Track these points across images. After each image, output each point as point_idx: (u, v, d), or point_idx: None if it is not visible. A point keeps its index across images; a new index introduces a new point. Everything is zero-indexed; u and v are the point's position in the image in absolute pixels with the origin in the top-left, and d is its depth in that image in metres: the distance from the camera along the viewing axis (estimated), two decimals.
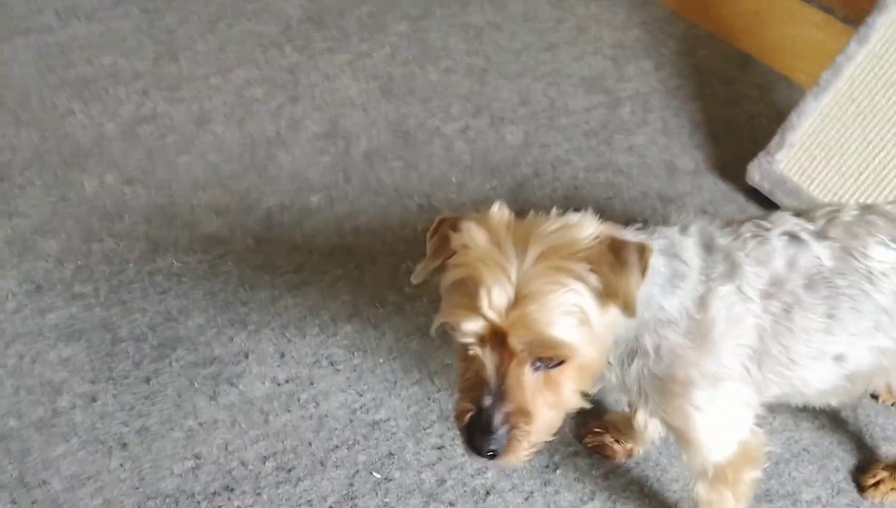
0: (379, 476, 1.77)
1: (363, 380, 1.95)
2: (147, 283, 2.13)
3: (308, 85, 2.79)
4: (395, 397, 1.92)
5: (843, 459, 1.85)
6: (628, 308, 1.19)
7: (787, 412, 1.88)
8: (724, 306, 1.33)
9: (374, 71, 2.87)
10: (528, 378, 1.18)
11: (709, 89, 2.88)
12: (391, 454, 1.81)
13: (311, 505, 1.72)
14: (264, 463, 1.78)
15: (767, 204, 2.43)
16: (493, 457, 1.20)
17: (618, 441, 1.82)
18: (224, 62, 2.86)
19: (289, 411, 1.88)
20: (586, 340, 1.18)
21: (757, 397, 1.45)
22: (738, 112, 2.79)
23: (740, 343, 1.36)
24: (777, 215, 1.45)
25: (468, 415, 1.20)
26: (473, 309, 1.15)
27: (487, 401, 1.18)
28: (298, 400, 1.90)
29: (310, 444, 1.82)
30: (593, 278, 1.18)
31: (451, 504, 1.74)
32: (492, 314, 1.14)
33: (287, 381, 1.93)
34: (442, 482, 1.77)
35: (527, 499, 1.75)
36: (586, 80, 2.89)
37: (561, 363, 1.19)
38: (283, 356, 1.98)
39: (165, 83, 2.76)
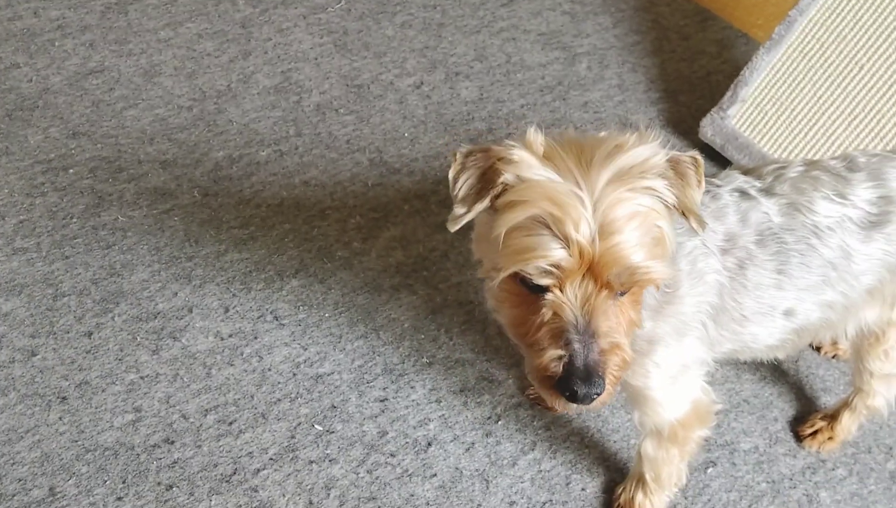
0: (321, 428, 1.77)
1: (308, 334, 1.94)
2: (91, 238, 2.10)
3: (261, 39, 2.74)
4: (339, 351, 1.91)
5: (782, 410, 1.87)
6: (700, 223, 1.16)
7: (729, 365, 1.90)
8: (688, 262, 1.33)
9: (328, 25, 2.82)
10: (611, 310, 1.13)
11: (667, 45, 2.86)
12: (334, 406, 1.81)
13: (252, 457, 1.72)
14: (205, 416, 1.77)
15: (720, 160, 2.43)
16: (592, 400, 1.12)
17: None
18: (175, 16, 2.80)
19: (232, 365, 1.87)
20: (666, 261, 1.14)
21: (710, 354, 1.46)
22: (695, 68, 2.78)
23: (702, 300, 1.37)
24: (725, 174, 1.45)
25: (559, 363, 1.11)
26: (556, 246, 1.05)
27: (579, 344, 1.10)
28: (242, 354, 1.89)
29: (252, 397, 1.81)
30: (669, 196, 1.12)
31: (392, 455, 1.74)
32: (584, 245, 1.05)
33: (231, 335, 1.92)
34: (384, 433, 1.77)
35: (468, 450, 1.76)
36: (544, 35, 2.86)
37: (629, 291, 1.14)
38: (227, 310, 1.97)
39: (113, 36, 2.70)
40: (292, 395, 1.82)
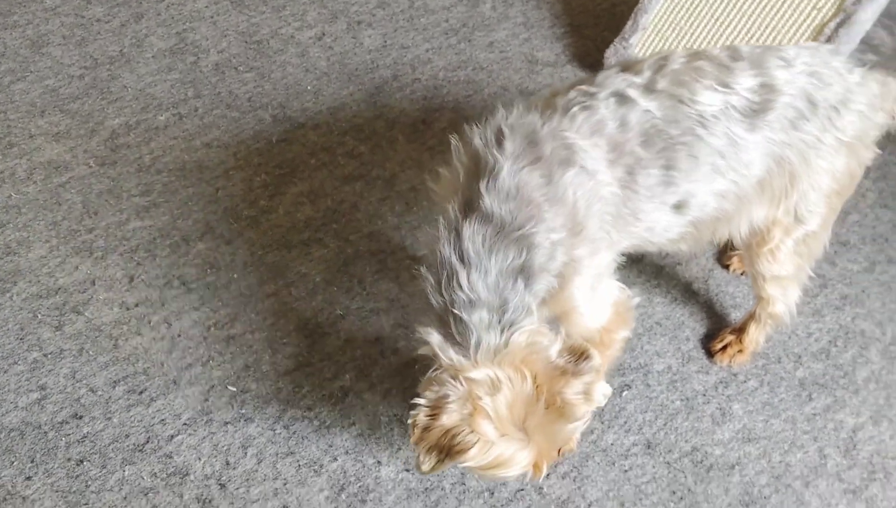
0: (234, 388, 1.75)
1: (217, 297, 1.90)
2: None
3: (153, 0, 2.64)
4: (250, 310, 1.88)
5: (693, 329, 1.90)
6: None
7: (641, 289, 1.92)
8: (576, 189, 1.32)
9: None
10: None
11: None
12: (247, 366, 1.78)
13: (165, 424, 1.69)
14: (114, 388, 1.73)
15: None
16: None
17: None
18: None
19: (140, 334, 1.82)
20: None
21: (616, 254, 1.48)
22: (598, 1, 2.76)
23: (603, 213, 1.37)
24: (603, 75, 1.43)
25: None
26: None
27: None
28: (149, 323, 1.84)
29: (162, 365, 1.77)
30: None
31: (308, 408, 1.73)
32: None
33: (137, 305, 1.87)
34: (299, 388, 1.75)
35: (385, 397, 1.75)
36: None
37: None
38: (132, 280, 1.91)
39: None
40: (204, 359, 1.79)
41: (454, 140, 1.38)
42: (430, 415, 1.22)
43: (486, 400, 1.20)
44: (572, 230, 1.33)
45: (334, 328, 1.86)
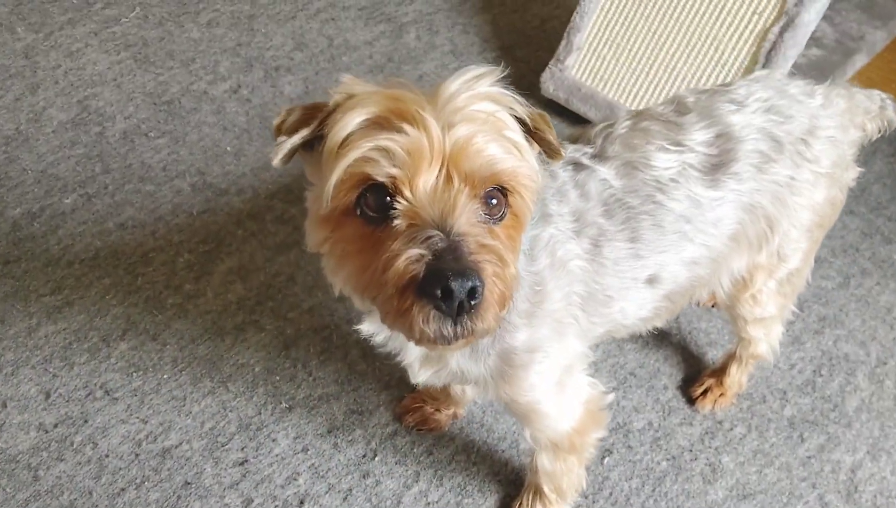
0: None
1: (146, 404, 1.70)
2: None
3: (48, 68, 2.42)
4: (185, 416, 1.69)
5: (670, 375, 1.77)
6: (555, 153, 1.07)
7: (611, 341, 1.78)
8: (548, 254, 1.19)
9: (124, 39, 2.52)
10: (477, 216, 0.97)
11: None
12: (188, 483, 1.59)
13: None
14: None
15: (568, 115, 2.29)
16: (470, 308, 0.90)
17: (438, 410, 1.67)
18: None
19: (62, 460, 1.62)
20: (526, 174, 1.00)
21: (587, 345, 1.33)
22: (528, 18, 2.62)
23: (570, 291, 1.23)
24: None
25: (420, 261, 0.90)
26: (399, 133, 0.92)
27: (442, 240, 0.91)
28: (72, 445, 1.64)
29: (91, 493, 1.57)
30: (520, 110, 1.02)
31: None
32: (431, 127, 0.92)
33: (56, 425, 1.66)
34: (249, 501, 1.57)
35: (346, 499, 1.58)
36: (365, 9, 2.64)
37: (501, 218, 1.01)
38: (48, 396, 1.71)
39: None
40: (138, 480, 1.59)
41: None
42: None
43: None
44: (535, 293, 1.18)
45: (281, 423, 1.68)
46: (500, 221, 1.00)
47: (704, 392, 1.71)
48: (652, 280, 1.32)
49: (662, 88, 2.12)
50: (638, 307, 1.34)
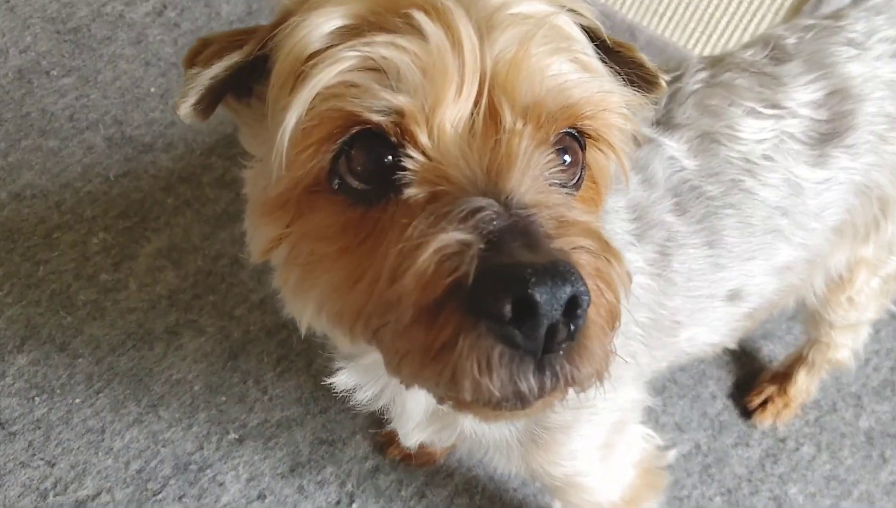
0: None
1: (53, 440, 1.32)
2: None
3: None
4: (104, 454, 1.31)
5: (718, 380, 1.42)
6: (651, 80, 0.70)
7: None
8: None
9: None
10: (551, 188, 0.57)
11: None
12: None
13: None
14: None
15: None
16: (568, 336, 0.50)
17: None
18: None
19: None
20: (617, 109, 0.62)
21: (644, 388, 0.98)
22: None
23: (628, 322, 0.83)
24: None
25: (466, 257, 0.50)
26: (406, 41, 0.54)
27: (496, 213, 0.51)
28: None
29: None
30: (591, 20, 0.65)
31: None
32: (461, 33, 0.54)
33: None
34: None
35: None
36: None
37: (578, 184, 0.63)
38: None
39: None
40: None
41: None
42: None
43: None
44: None
45: (229, 460, 1.31)
46: (575, 188, 0.62)
47: (764, 403, 1.37)
48: (733, 296, 0.96)
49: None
50: (710, 332, 0.99)
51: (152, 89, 1.76)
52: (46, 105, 1.72)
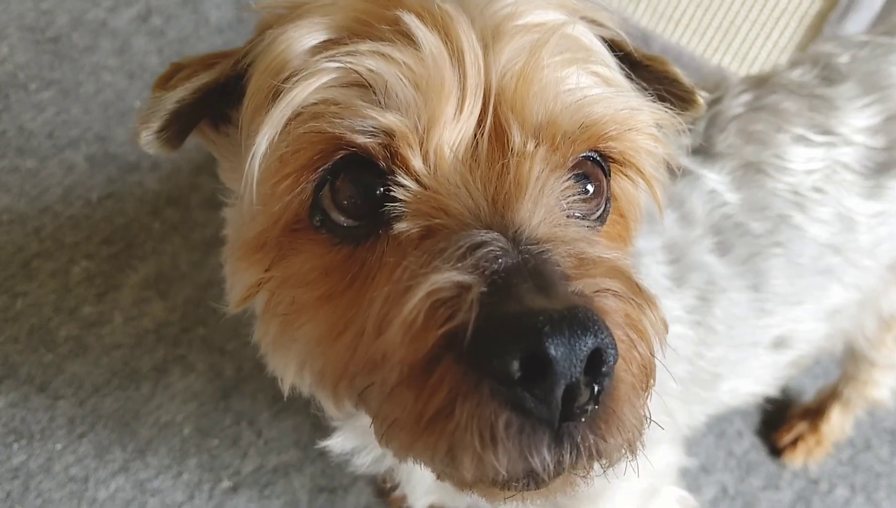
0: None
1: (32, 490, 1.22)
2: None
3: None
4: (87, 505, 1.22)
5: (745, 415, 1.33)
6: (688, 97, 0.64)
7: None
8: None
9: None
10: (569, 219, 0.49)
11: None
12: None
13: None
14: None
15: None
16: (591, 399, 0.42)
17: None
18: None
19: None
20: (647, 129, 0.54)
21: (680, 447, 0.89)
22: None
23: (665, 377, 0.75)
24: None
25: (466, 303, 0.42)
26: (399, 40, 0.48)
27: (505, 254, 0.43)
28: None
29: None
30: (611, 29, 0.59)
31: None
32: (464, 38, 0.48)
33: None
34: None
35: None
36: None
37: (602, 217, 0.55)
38: None
39: None
40: None
41: None
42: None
43: None
44: None
45: None
46: (599, 222, 0.54)
47: (794, 441, 1.28)
48: (779, 344, 0.88)
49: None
50: (754, 382, 0.91)
51: (137, 103, 1.66)
52: (24, 122, 1.62)
